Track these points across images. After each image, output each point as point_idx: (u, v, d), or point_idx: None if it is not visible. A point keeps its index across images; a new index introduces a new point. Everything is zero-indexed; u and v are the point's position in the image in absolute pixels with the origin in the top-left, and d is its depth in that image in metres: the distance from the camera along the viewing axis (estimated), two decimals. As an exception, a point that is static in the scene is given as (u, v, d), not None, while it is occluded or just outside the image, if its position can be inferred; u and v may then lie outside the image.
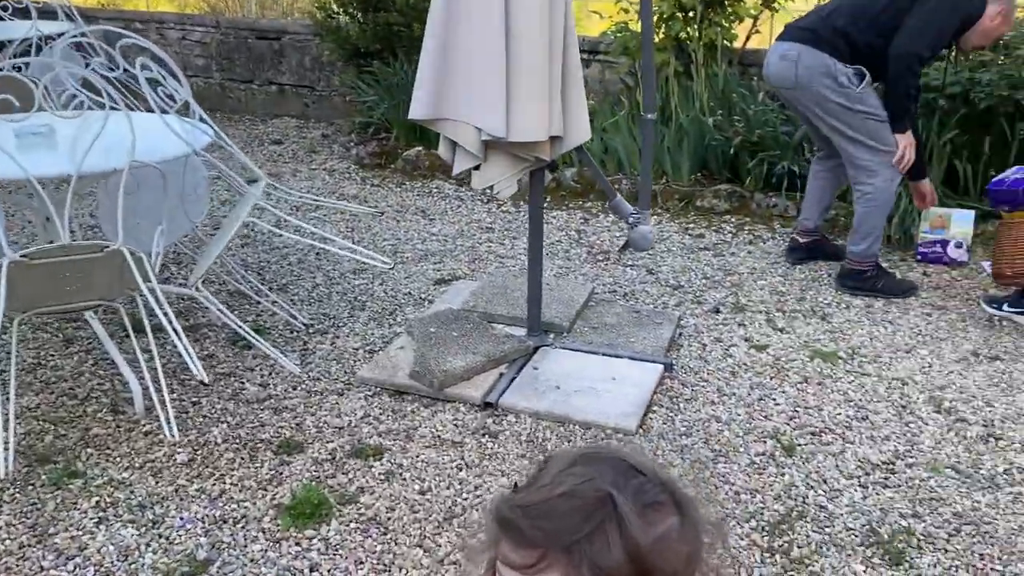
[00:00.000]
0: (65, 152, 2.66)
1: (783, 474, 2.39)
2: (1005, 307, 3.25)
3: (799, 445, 2.53)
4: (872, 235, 3.49)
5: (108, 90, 2.53)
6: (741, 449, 2.51)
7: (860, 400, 2.77)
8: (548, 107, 2.61)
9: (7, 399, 2.40)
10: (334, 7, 5.70)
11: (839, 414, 2.69)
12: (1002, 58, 4.00)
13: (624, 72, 5.22)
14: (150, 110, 2.76)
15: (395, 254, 4.00)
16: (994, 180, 3.29)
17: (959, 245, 3.79)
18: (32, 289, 2.32)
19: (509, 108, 2.58)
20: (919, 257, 3.86)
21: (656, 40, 4.88)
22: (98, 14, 7.46)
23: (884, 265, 3.67)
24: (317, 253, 3.99)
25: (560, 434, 2.56)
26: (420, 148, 5.27)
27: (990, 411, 2.70)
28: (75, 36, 3.13)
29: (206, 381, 2.49)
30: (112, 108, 2.49)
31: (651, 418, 2.66)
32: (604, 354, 2.99)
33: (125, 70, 2.84)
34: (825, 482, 2.36)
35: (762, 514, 2.22)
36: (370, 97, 5.48)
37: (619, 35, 4.94)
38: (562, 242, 4.21)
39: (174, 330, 2.32)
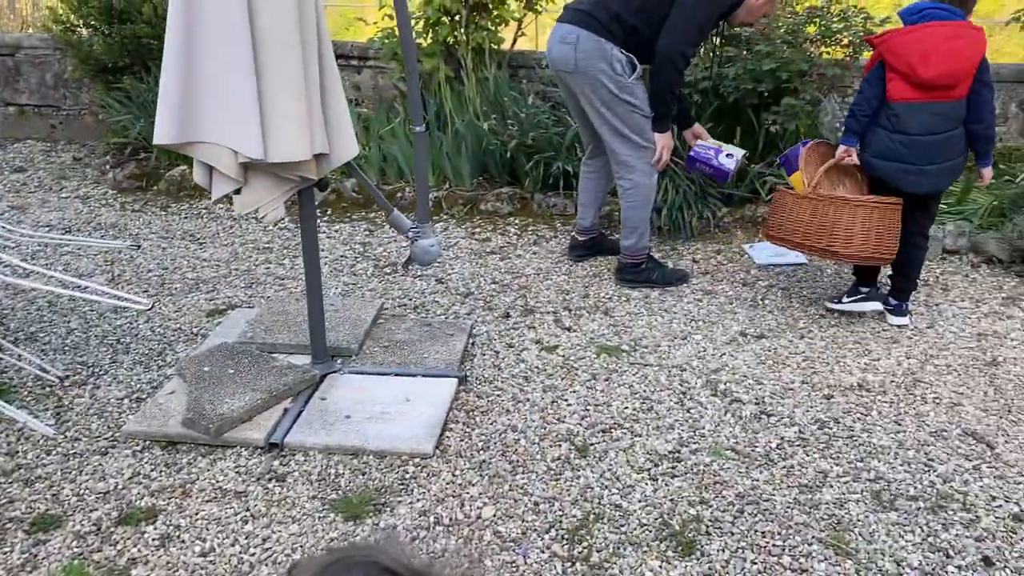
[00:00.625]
0: None
1: (578, 477, 2.41)
2: (844, 299, 3.40)
3: (592, 444, 2.56)
4: (639, 229, 3.62)
5: None
6: (538, 457, 2.51)
7: (645, 391, 2.86)
8: (309, 124, 2.47)
9: None
10: (73, 19, 5.18)
11: (627, 408, 2.76)
12: (745, 53, 4.29)
13: (396, 78, 5.13)
14: None
15: (162, 286, 3.69)
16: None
17: (729, 156, 3.72)
18: None
19: (265, 127, 2.41)
20: (689, 161, 3.80)
21: (425, 45, 4.84)
22: None
23: (657, 256, 3.84)
24: (71, 288, 3.59)
25: (354, 467, 2.44)
26: (185, 167, 4.91)
27: (760, 389, 2.88)
28: None
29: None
30: None
31: (448, 436, 2.60)
32: (396, 374, 2.90)
33: None
34: (618, 479, 2.40)
35: (561, 522, 2.22)
36: (123, 116, 5.04)
37: (386, 41, 4.84)
38: (347, 257, 4.06)
39: None
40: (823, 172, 3.28)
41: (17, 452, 2.51)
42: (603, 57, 3.38)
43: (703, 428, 2.65)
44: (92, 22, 5.09)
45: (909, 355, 3.13)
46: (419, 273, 3.85)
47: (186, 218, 4.56)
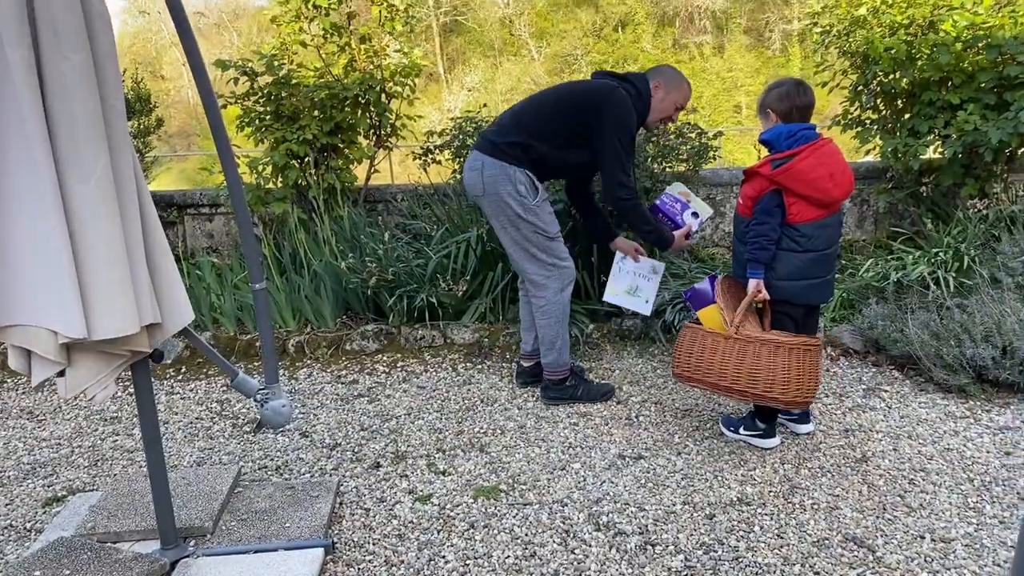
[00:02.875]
0: None
1: (461, 646, 2.23)
2: (741, 430, 3.30)
3: (474, 605, 2.39)
4: (556, 344, 3.62)
5: None
6: (415, 628, 2.31)
7: (526, 535, 2.72)
8: (133, 295, 2.30)
9: None
10: None
11: (508, 557, 2.61)
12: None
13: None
14: None
15: (-8, 477, 3.33)
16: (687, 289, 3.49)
17: (695, 215, 3.75)
18: None
19: (87, 302, 2.23)
20: (657, 206, 3.79)
21: (275, 189, 4.76)
22: None
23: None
24: None
25: (209, 670, 2.17)
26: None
27: (643, 516, 2.79)
28: None
29: None
30: None
31: (314, 618, 2.37)
32: (256, 551, 2.65)
33: None
34: (504, 642, 2.23)
35: None
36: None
37: (236, 188, 4.73)
38: (203, 418, 3.80)
39: None
40: (743, 310, 3.11)
41: None
42: (507, 179, 3.47)
43: (588, 570, 2.52)
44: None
45: (783, 460, 3.13)
46: (282, 428, 3.63)
47: (23, 393, 4.20)
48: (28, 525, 2.96)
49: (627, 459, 3.20)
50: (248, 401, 3.97)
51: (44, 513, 3.04)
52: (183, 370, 4.36)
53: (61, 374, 2.38)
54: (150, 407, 2.58)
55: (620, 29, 31.59)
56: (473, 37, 33.98)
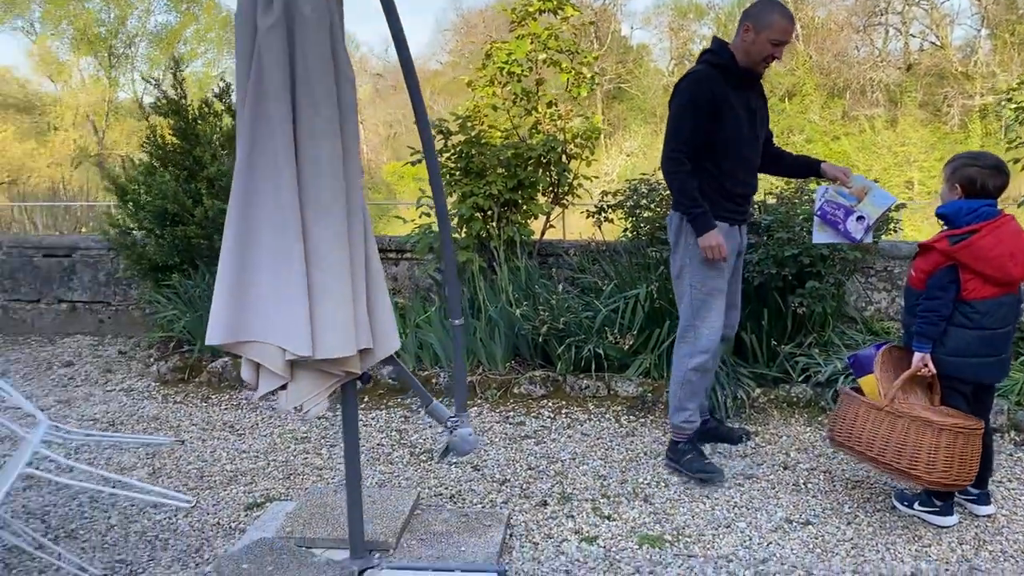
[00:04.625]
0: None
1: None
2: (916, 506, 3.21)
3: (640, 644, 2.47)
4: (673, 404, 3.61)
5: None
6: (583, 658, 2.41)
7: (691, 584, 2.78)
8: (354, 320, 2.59)
9: None
10: (129, 223, 5.53)
11: (674, 602, 2.68)
12: (765, 239, 4.47)
13: (432, 269, 5.36)
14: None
15: (201, 479, 3.72)
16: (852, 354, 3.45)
17: (860, 219, 3.47)
18: None
19: (314, 325, 2.53)
20: (818, 214, 3.58)
21: (459, 239, 5.09)
22: None
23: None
24: (112, 486, 3.63)
25: (393, 670, 2.36)
26: (227, 359, 5.07)
27: (811, 579, 2.78)
28: None
29: None
30: None
31: (488, 636, 2.51)
32: (434, 570, 2.85)
33: None
34: None
35: None
36: (170, 311, 5.26)
37: (423, 237, 5.10)
38: (383, 445, 4.09)
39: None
40: (901, 383, 3.10)
41: (51, 658, 2.46)
42: (671, 229, 3.58)
43: (754, 623, 2.55)
44: (147, 225, 5.43)
45: (961, 540, 3.03)
46: (455, 461, 3.85)
47: (226, 409, 4.65)
48: (232, 525, 3.30)
49: (794, 523, 3.18)
50: (425, 431, 4.23)
51: (246, 516, 3.37)
52: (366, 399, 4.69)
53: (283, 388, 2.69)
54: (353, 424, 2.85)
55: (787, 99, 31.13)
56: (635, 104, 34.42)
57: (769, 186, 4.85)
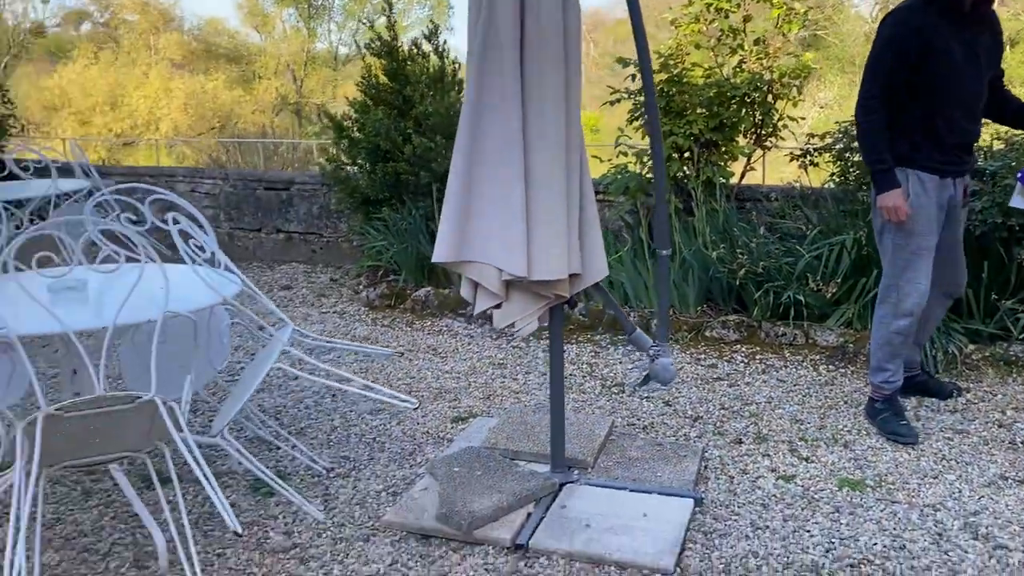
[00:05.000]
0: (98, 305, 2.73)
1: (828, 610, 2.33)
2: None
3: (840, 578, 2.47)
4: (872, 364, 3.48)
5: (145, 244, 2.61)
6: (781, 585, 2.45)
7: (895, 529, 2.73)
8: (567, 247, 2.70)
9: (31, 559, 2.34)
10: (344, 159, 5.93)
11: (875, 544, 2.64)
12: (992, 186, 4.16)
13: (624, 211, 5.40)
14: (172, 261, 2.84)
15: (410, 392, 4.01)
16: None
17: None
18: (63, 442, 2.31)
19: (530, 249, 2.66)
20: (1020, 177, 3.37)
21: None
22: (110, 171, 7.73)
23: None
24: (333, 395, 4.00)
25: None
26: (429, 289, 5.37)
27: (1029, 536, 2.66)
28: (103, 194, 3.25)
29: (240, 532, 2.44)
30: (148, 260, 2.56)
31: (687, 555, 2.60)
32: (632, 490, 2.96)
33: (153, 223, 2.95)
34: (872, 617, 2.29)
35: (812, 654, 2.15)
36: (379, 242, 5.63)
37: (618, 177, 5.14)
38: (575, 376, 4.23)
39: (208, 481, 2.30)
40: None
41: (292, 532, 2.79)
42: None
43: (964, 572, 2.48)
44: (359, 161, 5.80)
45: None
46: (647, 395, 3.93)
47: (429, 334, 4.96)
48: (440, 434, 3.55)
49: (1010, 481, 3.03)
50: (615, 366, 4.33)
51: (452, 428, 3.62)
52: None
53: (498, 307, 2.86)
54: (559, 346, 2.98)
55: (1009, 47, 28.21)
56: (832, 52, 32.33)
57: (995, 131, 4.49)
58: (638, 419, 3.68)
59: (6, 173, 5.60)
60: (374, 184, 5.64)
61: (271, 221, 7.20)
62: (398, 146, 5.45)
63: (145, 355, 2.82)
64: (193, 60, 34.99)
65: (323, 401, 3.94)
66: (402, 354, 4.57)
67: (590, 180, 2.82)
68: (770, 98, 5.03)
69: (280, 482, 2.83)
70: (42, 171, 6.11)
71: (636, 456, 3.22)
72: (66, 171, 5.92)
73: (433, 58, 5.82)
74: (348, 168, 5.98)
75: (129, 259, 3.03)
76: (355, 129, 5.77)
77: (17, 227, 5.05)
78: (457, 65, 5.86)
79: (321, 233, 7.00)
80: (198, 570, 2.46)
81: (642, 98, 5.17)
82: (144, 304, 2.61)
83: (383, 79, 5.77)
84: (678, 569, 2.53)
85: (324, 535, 2.77)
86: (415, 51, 5.76)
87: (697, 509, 2.87)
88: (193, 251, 2.84)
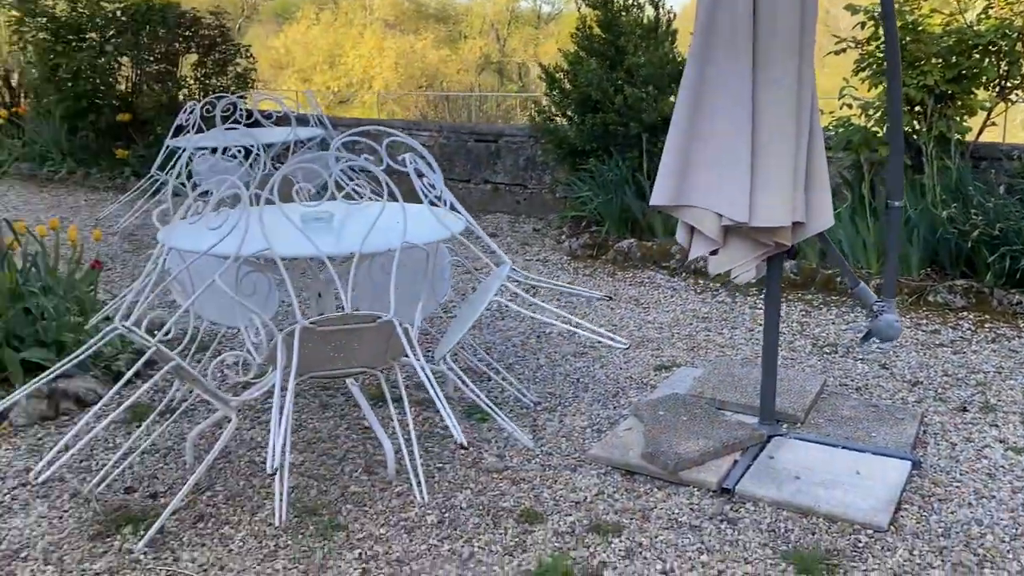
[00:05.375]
0: (341, 234, 2.99)
1: (1063, 586, 2.18)
2: None
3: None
4: None
5: (388, 181, 2.83)
6: (1009, 555, 2.32)
7: None
8: (792, 193, 2.64)
9: (284, 456, 2.65)
10: (553, 110, 6.04)
11: None
12: None
13: (844, 167, 5.14)
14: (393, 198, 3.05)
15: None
16: None
17: None
18: (312, 355, 2.58)
19: (753, 193, 2.63)
20: None
21: (880, 134, 4.80)
22: (336, 122, 8.30)
23: None
24: (538, 336, 4.15)
25: (803, 526, 2.48)
26: (632, 240, 5.40)
27: None
28: (346, 135, 3.53)
29: (465, 445, 2.64)
30: (391, 199, 2.78)
31: (902, 516, 2.52)
32: (844, 447, 2.88)
33: (388, 164, 3.18)
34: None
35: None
36: (584, 192, 5.71)
37: (841, 130, 4.90)
38: (784, 333, 4.12)
39: (438, 398, 2.49)
40: None
41: (504, 456, 2.96)
42: None
43: None
44: (569, 113, 5.89)
45: None
46: (862, 356, 3.78)
47: (631, 285, 5.00)
48: (643, 381, 3.61)
49: None
50: (827, 327, 4.19)
51: (655, 375, 3.66)
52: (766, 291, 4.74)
53: (714, 253, 2.85)
54: (775, 297, 2.94)
55: None
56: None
57: None
58: (851, 380, 3.56)
59: (252, 120, 6.17)
60: (582, 135, 5.71)
61: (479, 173, 7.46)
62: (609, 97, 5.47)
63: (378, 284, 3.07)
64: (404, 20, 36.45)
65: (529, 341, 4.10)
66: (610, 297, 4.66)
67: (819, 123, 2.73)
68: (1019, 47, 4.58)
69: (495, 408, 3.00)
70: (278, 120, 6.69)
71: (849, 415, 3.13)
72: (302, 121, 6.45)
73: (648, 8, 5.77)
74: (557, 119, 6.08)
75: (368, 198, 3.30)
76: (566, 80, 5.85)
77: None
78: (672, 15, 5.77)
79: (526, 185, 7.19)
80: (422, 479, 2.67)
81: (870, 47, 4.87)
82: (383, 236, 2.84)
83: (596, 30, 5.80)
84: (892, 527, 2.45)
85: (533, 461, 2.92)
86: (629, 1, 5.73)
87: (914, 472, 2.75)
88: (425, 188, 3.03)
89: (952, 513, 2.53)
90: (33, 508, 2.66)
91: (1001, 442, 2.97)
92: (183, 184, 3.48)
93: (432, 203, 3.05)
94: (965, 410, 3.23)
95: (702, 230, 2.78)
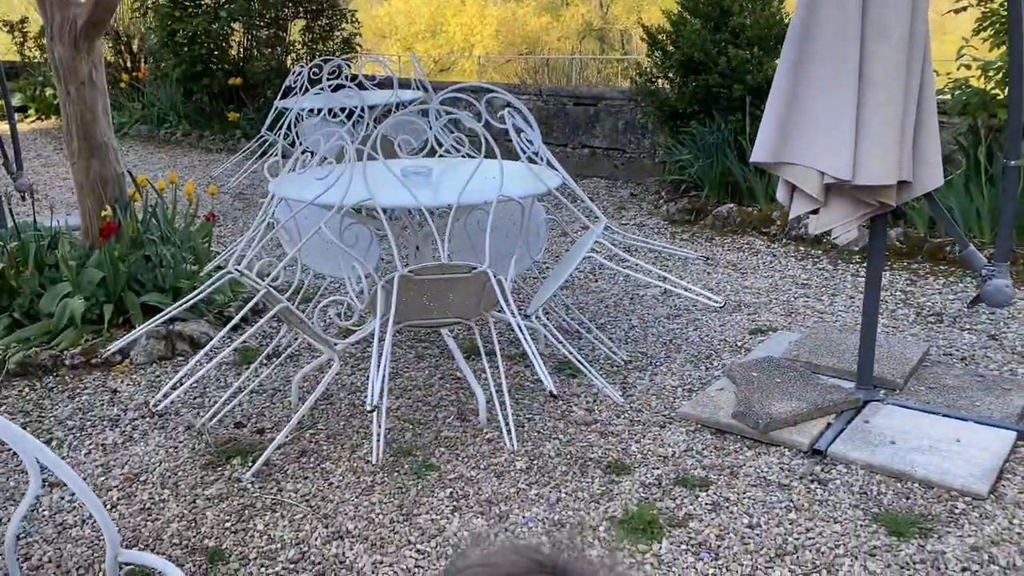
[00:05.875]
0: (438, 188, 3.07)
1: None
2: None
3: None
4: None
5: (486, 135, 2.89)
6: (1119, 531, 2.22)
7: None
8: (899, 151, 2.56)
9: (382, 399, 2.76)
10: (655, 72, 5.96)
11: None
12: None
13: (959, 132, 4.90)
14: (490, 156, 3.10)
15: (705, 303, 4.05)
16: None
17: None
18: (410, 303, 2.67)
19: (857, 150, 2.56)
20: None
21: (1000, 97, 4.56)
22: (437, 86, 8.41)
23: None
24: (631, 298, 4.15)
25: (897, 490, 2.44)
26: (732, 205, 5.31)
27: None
28: (448, 92, 3.59)
29: (555, 393, 2.69)
30: (487, 157, 2.84)
31: (1004, 485, 2.44)
32: (944, 415, 2.80)
33: (488, 122, 3.22)
34: None
35: None
36: (685, 156, 5.63)
37: (957, 92, 4.67)
38: (887, 302, 4.00)
39: (530, 348, 2.55)
40: None
41: (593, 410, 3.00)
42: None
43: None
44: (670, 74, 5.80)
45: None
46: (969, 325, 3.64)
47: (728, 250, 4.93)
48: (738, 344, 3.57)
49: None
50: (933, 296, 4.04)
51: (750, 338, 3.62)
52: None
53: (815, 212, 2.79)
54: (879, 259, 2.86)
55: None
56: None
57: None
58: (956, 350, 3.43)
59: (357, 82, 6.32)
60: (684, 97, 5.63)
61: (577, 137, 7.44)
62: (712, 58, 5.36)
63: (473, 238, 3.14)
64: (506, -12, 36.36)
65: (622, 302, 4.11)
66: (707, 258, 4.62)
67: (932, 82, 2.62)
68: None
69: (585, 364, 3.04)
70: (381, 84, 6.84)
71: (952, 384, 3.03)
72: (404, 84, 6.57)
73: (755, -32, 5.60)
74: (659, 81, 6.00)
75: (467, 156, 3.37)
76: (669, 42, 5.76)
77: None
78: (781, -26, 5.59)
79: (624, 149, 7.13)
80: (512, 427, 2.75)
81: (993, 4, 4.61)
82: (480, 189, 2.90)
83: (700, -10, 5.67)
84: (992, 496, 2.38)
85: (622, 416, 2.95)
86: (736, -40, 5.58)
87: (1020, 443, 2.66)
88: (524, 144, 3.07)
89: (1059, 486, 2.44)
90: (151, 438, 2.86)
91: (1118, 418, 2.82)
92: (291, 145, 3.63)
93: (530, 160, 3.09)
94: (1080, 384, 3.07)
95: (803, 188, 2.72)
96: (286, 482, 2.57)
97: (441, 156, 3.52)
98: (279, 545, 2.28)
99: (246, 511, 2.43)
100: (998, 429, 2.69)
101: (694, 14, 5.62)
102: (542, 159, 3.27)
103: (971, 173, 4.55)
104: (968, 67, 4.60)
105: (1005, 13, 4.51)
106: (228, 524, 2.38)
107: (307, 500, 2.48)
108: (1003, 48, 4.54)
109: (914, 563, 2.12)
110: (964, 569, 2.09)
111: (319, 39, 8.90)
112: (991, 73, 4.52)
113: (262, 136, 6.62)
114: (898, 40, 2.49)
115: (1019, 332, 3.57)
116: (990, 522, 2.27)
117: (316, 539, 2.30)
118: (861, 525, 2.28)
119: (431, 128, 3.31)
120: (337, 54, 8.65)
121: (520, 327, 2.58)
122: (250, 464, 2.65)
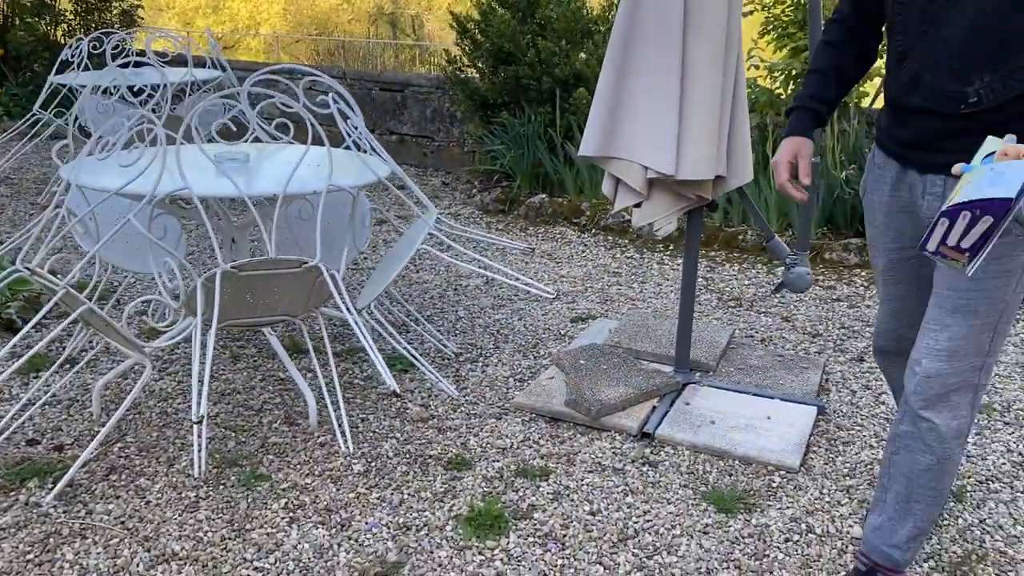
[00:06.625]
0: (259, 176, 2.88)
1: (956, 519, 2.36)
2: None
3: (968, 492, 2.49)
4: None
5: (312, 121, 2.73)
6: (908, 492, 2.48)
7: (1023, 450, 2.72)
8: (716, 147, 2.70)
9: (200, 405, 2.55)
10: (464, 61, 5.96)
11: (1003, 464, 2.65)
12: None
13: (754, 123, 5.30)
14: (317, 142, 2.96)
15: (528, 293, 4.11)
16: None
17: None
18: (231, 301, 2.48)
19: (680, 147, 2.68)
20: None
21: (784, 97, 4.97)
22: (233, 65, 7.93)
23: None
24: (455, 288, 4.13)
25: (720, 468, 2.59)
26: (544, 196, 5.43)
27: None
28: (260, 74, 3.37)
29: (398, 392, 2.61)
30: (316, 143, 2.69)
31: (811, 458, 2.66)
32: (755, 394, 3.01)
33: (306, 105, 3.06)
34: (1001, 528, 2.32)
35: (940, 555, 2.20)
36: (496, 146, 5.68)
37: (747, 92, 5.03)
38: (691, 289, 4.25)
39: (368, 344, 2.45)
40: None
41: (429, 405, 2.95)
42: None
43: (1099, 496, 2.47)
44: (479, 64, 5.82)
45: None
46: (764, 309, 3.94)
47: (543, 240, 5.03)
48: (561, 332, 3.65)
49: None
50: (730, 281, 4.34)
51: (572, 327, 3.71)
52: (671, 247, 4.86)
53: (637, 206, 2.89)
54: (695, 250, 3.01)
55: None
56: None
57: None
58: (755, 332, 3.71)
59: (143, 59, 5.81)
60: (494, 87, 5.67)
61: (384, 123, 7.31)
62: (521, 49, 5.43)
63: (295, 229, 2.98)
64: (295, -35, 35.03)
65: (446, 293, 4.08)
66: (533, 250, 4.68)
67: (744, 80, 2.79)
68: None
69: (419, 358, 2.98)
70: (171, 62, 6.34)
71: (757, 364, 3.26)
72: (199, 62, 6.12)
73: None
74: (468, 70, 6.00)
75: (274, 140, 3.17)
76: (477, 31, 5.77)
77: (153, 110, 5.27)
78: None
79: (433, 137, 7.09)
80: (347, 428, 2.64)
81: (776, 11, 5.01)
82: (306, 178, 2.74)
83: (509, -19, 5.72)
84: (802, 469, 2.59)
85: (458, 410, 2.92)
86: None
87: (820, 417, 2.91)
88: (349, 130, 2.95)
89: (856, 455, 2.69)
90: (-77, 463, 2.48)
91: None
92: (77, 127, 3.27)
93: (356, 145, 2.97)
94: (862, 360, 3.42)
95: (627, 182, 2.81)
96: (95, 504, 2.31)
97: (252, 143, 3.31)
98: (94, 575, 2.05)
99: (51, 539, 2.16)
100: (801, 405, 2.93)
101: (502, 4, 5.66)
102: (368, 146, 3.15)
103: (759, 167, 4.93)
104: (756, 67, 4.98)
105: (786, 18, 4.93)
106: (30, 556, 2.10)
107: (122, 522, 2.24)
108: (785, 51, 4.96)
109: (743, 538, 2.26)
110: (787, 540, 2.25)
111: (94, 9, 8.12)
112: (776, 74, 4.92)
113: (34, 115, 5.93)
114: (716, 40, 2.62)
115: (807, 314, 3.91)
116: (804, 493, 2.46)
117: (138, 565, 2.08)
118: (692, 504, 2.40)
119: (246, 113, 3.09)
120: (116, 27, 7.94)
121: (358, 323, 2.47)
122: (50, 486, 2.36)
